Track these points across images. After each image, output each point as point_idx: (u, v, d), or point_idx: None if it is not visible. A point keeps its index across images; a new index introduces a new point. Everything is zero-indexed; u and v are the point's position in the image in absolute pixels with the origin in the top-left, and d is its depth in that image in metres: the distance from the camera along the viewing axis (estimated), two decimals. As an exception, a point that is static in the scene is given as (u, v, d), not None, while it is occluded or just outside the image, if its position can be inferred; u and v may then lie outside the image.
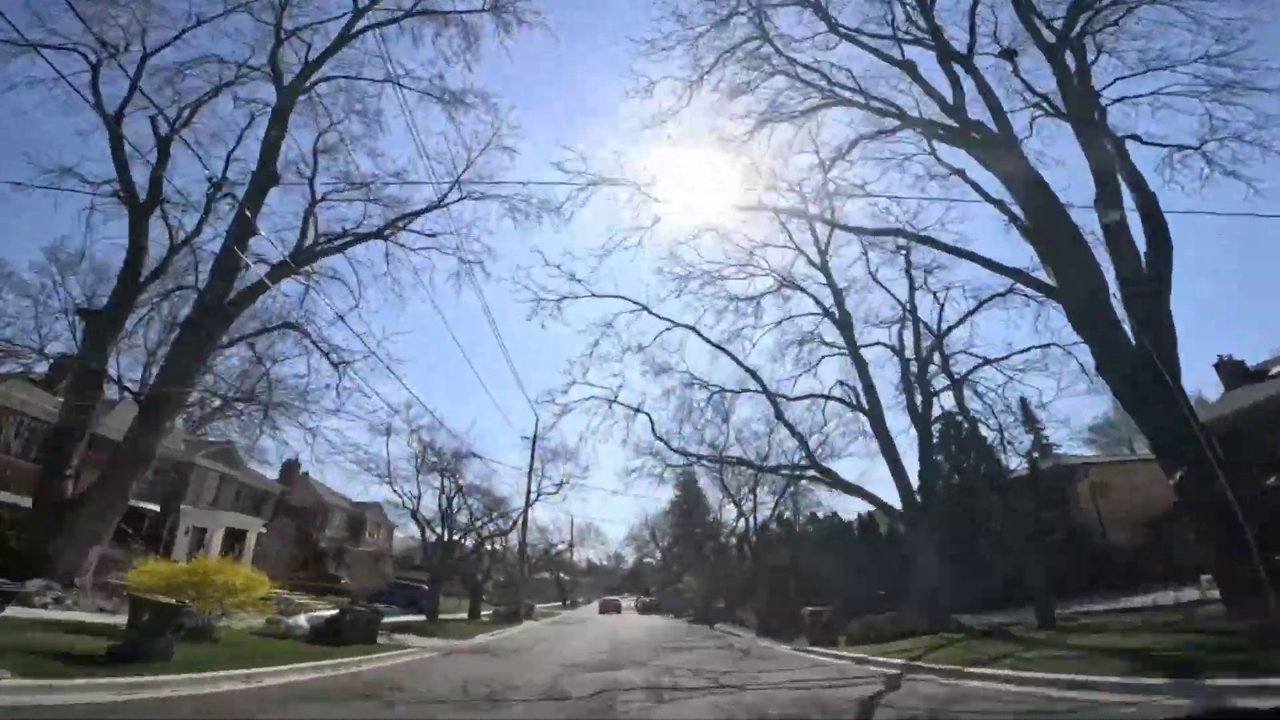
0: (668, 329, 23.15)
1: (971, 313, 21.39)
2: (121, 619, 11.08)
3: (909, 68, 17.35)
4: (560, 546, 54.52)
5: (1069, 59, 15.44)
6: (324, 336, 24.35)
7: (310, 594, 33.75)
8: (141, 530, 30.80)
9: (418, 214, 25.06)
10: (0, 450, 24.63)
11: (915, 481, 20.58)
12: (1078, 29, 15.58)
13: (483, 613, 36.66)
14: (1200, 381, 58.16)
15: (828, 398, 23.55)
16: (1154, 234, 13.06)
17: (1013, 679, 8.98)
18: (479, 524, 31.24)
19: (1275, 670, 6.48)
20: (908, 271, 23.86)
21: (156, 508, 32.08)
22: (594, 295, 21.74)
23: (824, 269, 25.19)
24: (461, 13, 24.08)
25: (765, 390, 22.94)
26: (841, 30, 18.10)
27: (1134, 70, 16.16)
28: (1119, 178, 13.83)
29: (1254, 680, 6.37)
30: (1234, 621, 9.77)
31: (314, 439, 32.13)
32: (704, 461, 24.42)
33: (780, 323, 25.37)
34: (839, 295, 24.61)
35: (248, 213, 19.30)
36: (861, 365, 23.04)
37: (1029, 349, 20.69)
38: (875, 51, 17.87)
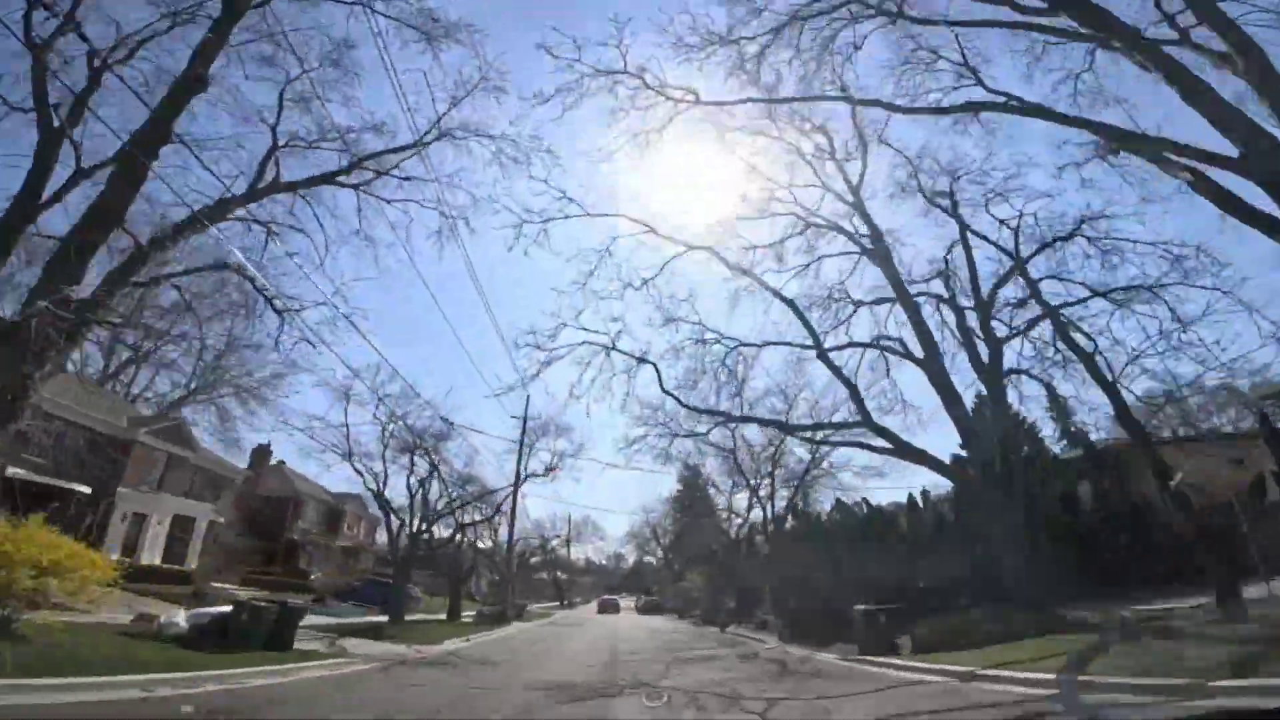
0: (680, 253, 18.96)
1: (1077, 230, 17.02)
2: None
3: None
4: (555, 542, 50.22)
5: None
6: (271, 284, 20.32)
7: (265, 589, 29.65)
8: (67, 514, 26.69)
9: (390, 153, 21.07)
10: None
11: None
12: None
13: (466, 613, 32.56)
14: None
15: (878, 346, 19.31)
16: None
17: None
18: (455, 504, 26.96)
19: None
20: (952, 201, 19.71)
21: (88, 490, 27.86)
22: (588, 214, 17.67)
23: (858, 205, 21.07)
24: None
25: (803, 318, 18.55)
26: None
27: None
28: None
29: None
30: None
31: (260, 405, 27.55)
32: (726, 420, 20.14)
33: (809, 265, 21.23)
34: (877, 231, 20.47)
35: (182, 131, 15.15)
36: (911, 305, 18.88)
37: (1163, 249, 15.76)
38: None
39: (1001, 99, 14.51)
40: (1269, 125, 9.72)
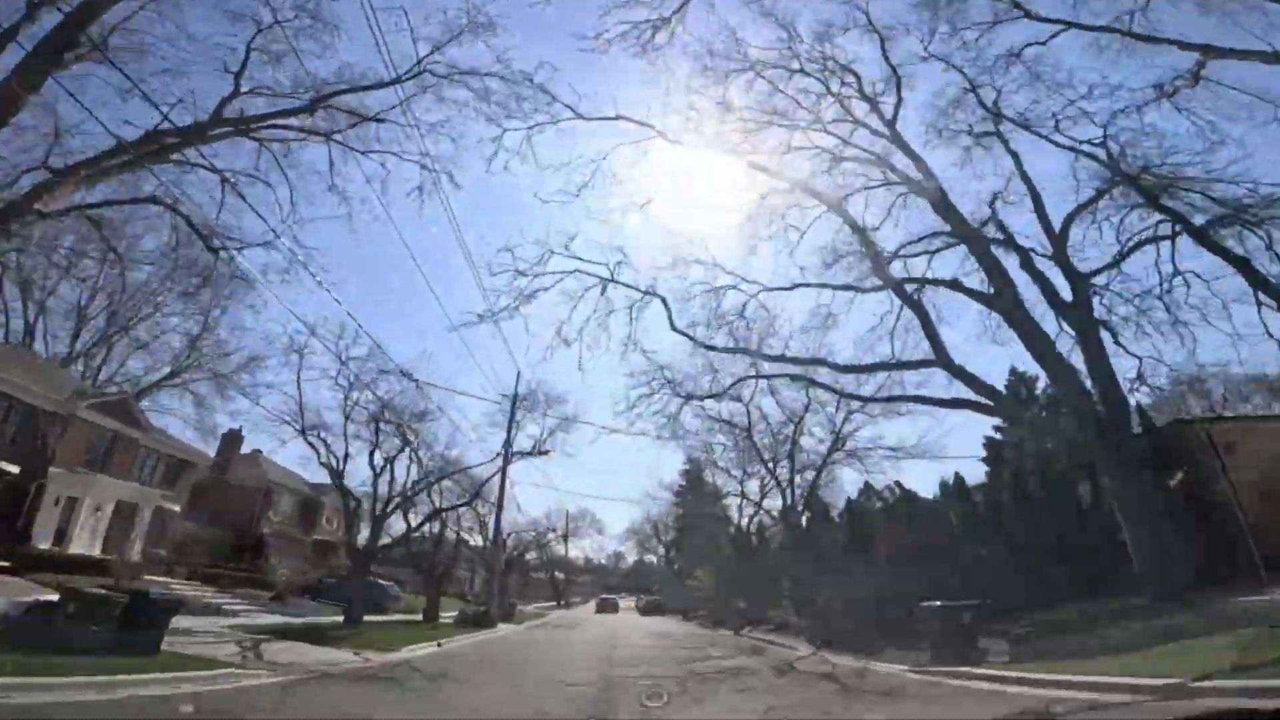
0: (690, 169, 15.46)
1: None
2: None
3: None
4: (551, 536, 46.53)
5: None
6: (207, 223, 17.04)
7: (216, 585, 26.12)
8: (-12, 495, 23.27)
9: (361, 90, 17.91)
10: None
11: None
12: None
13: (447, 614, 29.00)
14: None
15: (954, 285, 15.72)
16: None
17: None
18: (428, 481, 23.29)
19: None
20: (999, 134, 16.14)
21: (15, 469, 24.33)
22: (581, 117, 14.16)
23: (896, 139, 17.59)
24: None
25: (863, 234, 14.96)
26: None
27: None
28: None
29: None
30: None
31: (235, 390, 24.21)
32: (753, 358, 16.52)
33: (849, 196, 17.65)
34: (924, 165, 16.95)
35: None
36: (979, 239, 15.38)
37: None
38: None
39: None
40: None
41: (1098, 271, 15.24)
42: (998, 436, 35.73)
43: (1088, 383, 13.49)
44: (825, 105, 18.88)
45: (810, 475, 28.26)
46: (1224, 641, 7.51)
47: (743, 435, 26.07)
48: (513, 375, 26.66)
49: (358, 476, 25.92)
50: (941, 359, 14.11)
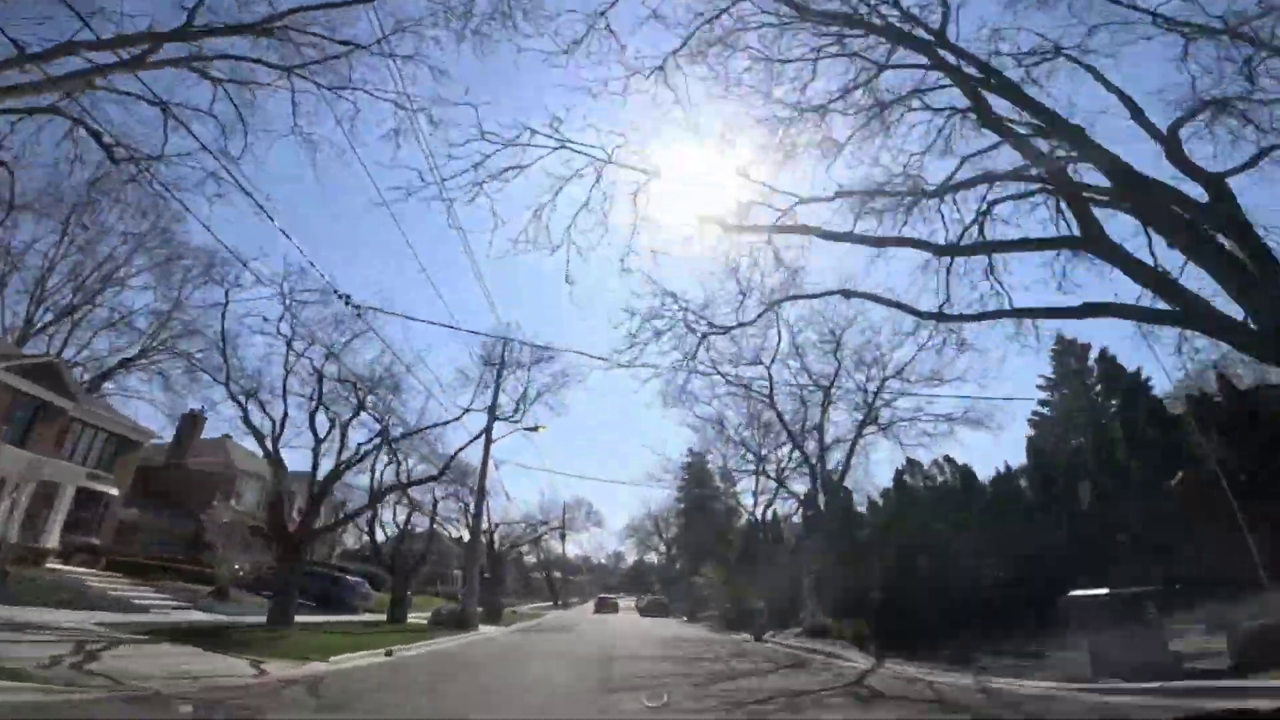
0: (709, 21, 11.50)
1: None
2: None
3: None
4: (545, 528, 42.49)
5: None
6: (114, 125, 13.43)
7: (145, 578, 22.20)
8: None
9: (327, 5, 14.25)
10: None
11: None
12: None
13: (417, 615, 25.13)
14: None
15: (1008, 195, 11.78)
16: None
17: None
18: (381, 439, 19.32)
19: None
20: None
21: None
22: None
23: (943, 42, 13.51)
24: None
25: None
26: None
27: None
28: None
29: None
30: None
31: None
32: (817, 235, 12.48)
33: (903, 114, 13.66)
34: (988, 68, 12.90)
35: None
36: (1099, 151, 11.38)
37: None
38: None
39: None
40: None
41: (1233, 172, 11.39)
42: (1043, 407, 31.76)
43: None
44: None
45: (837, 455, 24.46)
46: None
47: (764, 402, 22.18)
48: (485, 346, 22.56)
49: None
50: (1090, 233, 10.15)
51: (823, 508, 22.46)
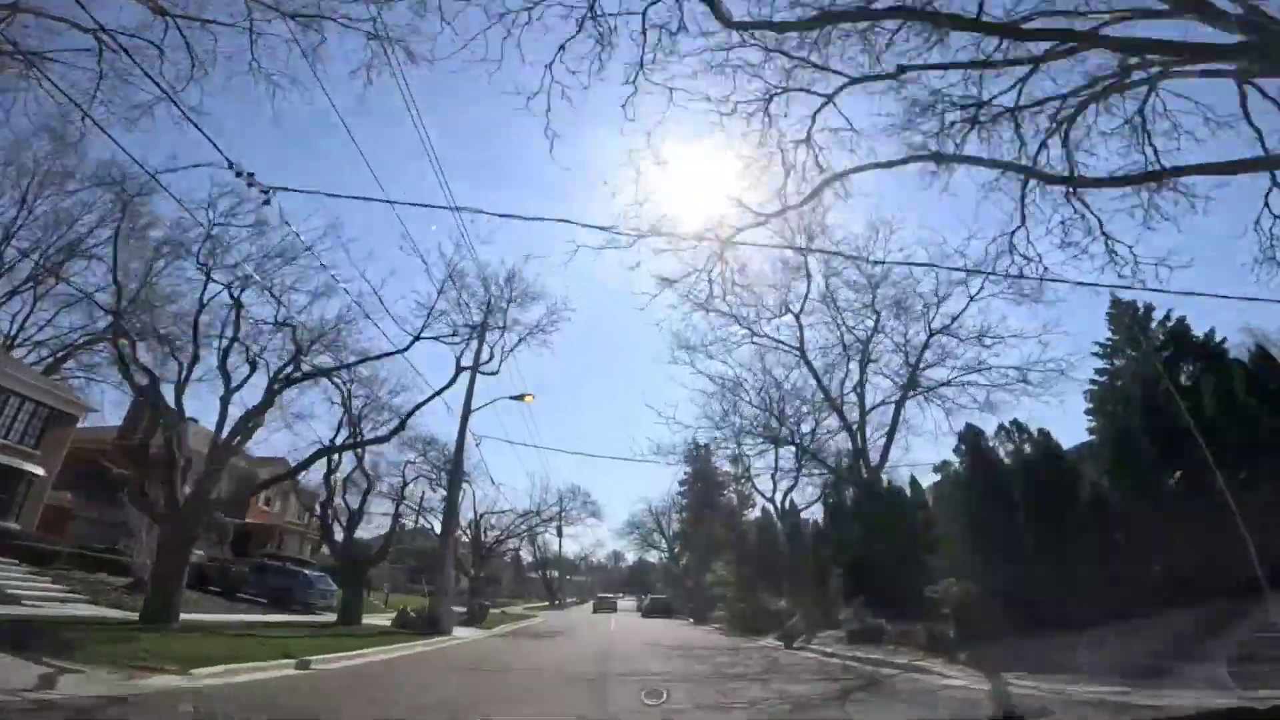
0: None
1: None
2: None
3: None
4: (539, 521, 38.73)
5: None
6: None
7: (46, 566, 18.37)
8: None
9: None
10: None
11: None
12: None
13: (379, 617, 21.37)
14: None
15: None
16: None
17: None
18: (303, 370, 15.45)
19: None
20: None
21: None
22: None
23: None
24: None
25: None
26: None
27: None
28: None
29: None
30: None
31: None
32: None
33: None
34: None
35: None
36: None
37: None
38: None
39: None
40: None
41: None
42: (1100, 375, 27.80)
43: None
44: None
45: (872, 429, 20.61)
46: None
47: (795, 355, 18.41)
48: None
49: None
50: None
51: (863, 482, 18.57)
